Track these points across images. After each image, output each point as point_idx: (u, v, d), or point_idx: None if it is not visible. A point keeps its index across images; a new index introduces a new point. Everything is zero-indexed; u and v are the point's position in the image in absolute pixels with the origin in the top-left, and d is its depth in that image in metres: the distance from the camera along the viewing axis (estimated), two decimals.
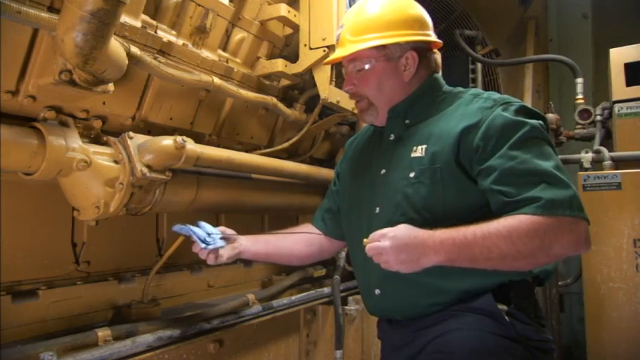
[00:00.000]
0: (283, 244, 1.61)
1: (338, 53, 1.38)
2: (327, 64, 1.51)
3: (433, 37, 1.39)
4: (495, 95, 1.29)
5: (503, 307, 1.22)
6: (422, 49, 1.36)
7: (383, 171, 1.38)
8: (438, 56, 1.42)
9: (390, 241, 1.12)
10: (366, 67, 1.34)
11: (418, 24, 1.36)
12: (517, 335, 1.19)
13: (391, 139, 1.40)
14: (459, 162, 1.23)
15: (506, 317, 1.21)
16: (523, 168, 1.14)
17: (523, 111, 1.24)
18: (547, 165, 1.15)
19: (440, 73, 1.44)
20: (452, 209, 1.23)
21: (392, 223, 1.24)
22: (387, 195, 1.34)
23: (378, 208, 1.36)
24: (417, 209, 1.26)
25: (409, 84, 1.37)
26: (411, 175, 1.28)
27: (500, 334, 1.19)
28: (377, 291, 1.35)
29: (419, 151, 1.29)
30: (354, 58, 1.35)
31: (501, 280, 1.23)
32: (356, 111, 2.21)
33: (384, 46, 1.31)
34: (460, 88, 1.40)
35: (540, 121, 1.24)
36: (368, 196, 1.41)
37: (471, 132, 1.22)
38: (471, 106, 1.27)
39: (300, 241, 1.63)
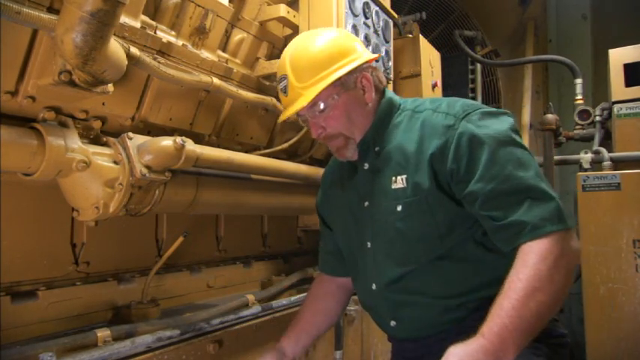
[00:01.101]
0: (321, 321, 1.57)
1: (299, 104, 1.26)
2: (285, 119, 1.34)
3: (369, 53, 1.35)
4: (455, 108, 1.25)
5: None
6: (366, 68, 1.33)
7: (366, 203, 1.35)
8: (379, 72, 1.38)
9: None
10: (330, 104, 1.29)
11: (354, 47, 1.31)
12: (537, 335, 1.20)
13: (366, 168, 1.37)
14: (441, 187, 1.21)
15: None
16: (505, 188, 1.12)
17: (486, 116, 1.21)
18: (528, 176, 1.13)
19: (386, 85, 1.41)
20: (447, 231, 1.23)
21: (392, 258, 1.27)
22: (377, 230, 1.32)
23: (369, 244, 1.35)
24: (413, 242, 1.25)
25: (371, 108, 1.34)
26: (399, 209, 1.26)
27: None
28: (392, 323, 1.34)
29: (400, 182, 1.26)
30: (313, 102, 1.27)
31: None
32: None
33: (339, 79, 1.26)
34: (416, 101, 1.36)
35: (507, 122, 1.21)
36: (356, 231, 1.39)
37: (441, 156, 1.20)
38: (435, 124, 1.24)
39: (329, 302, 1.58)
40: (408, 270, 1.26)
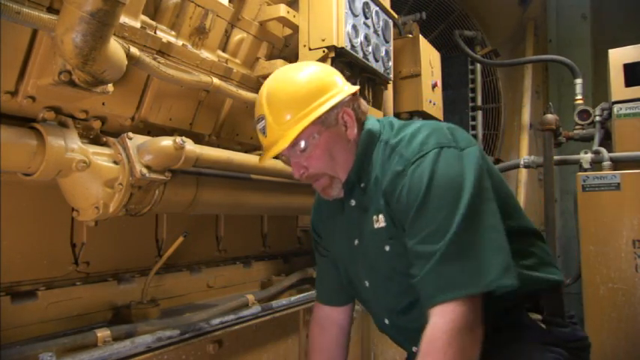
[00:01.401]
0: None
1: (279, 145, 1.20)
2: (264, 160, 1.27)
3: (349, 86, 1.28)
4: (410, 148, 1.17)
5: (537, 316, 1.22)
6: (347, 102, 1.25)
7: (356, 242, 1.31)
8: (361, 102, 1.31)
9: None
10: (311, 144, 1.22)
11: (335, 82, 1.25)
12: (557, 340, 1.19)
13: (352, 205, 1.31)
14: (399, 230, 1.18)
15: (543, 325, 1.20)
16: (419, 249, 1.09)
17: (440, 157, 1.12)
18: (442, 235, 1.06)
19: (366, 117, 1.33)
20: None
21: (393, 293, 1.24)
22: (371, 270, 1.29)
23: (367, 282, 1.31)
24: (408, 276, 1.18)
25: (353, 143, 1.27)
26: (387, 248, 1.21)
27: (542, 342, 1.18)
28: (414, 348, 1.25)
29: (381, 221, 1.22)
30: (294, 142, 1.21)
31: (528, 292, 1.19)
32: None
33: (319, 117, 1.19)
34: (387, 130, 1.28)
35: (463, 160, 1.12)
36: (353, 268, 1.36)
37: (390, 200, 1.17)
38: (390, 167, 1.20)
39: (337, 338, 1.50)
40: (412, 300, 1.21)
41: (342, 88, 1.24)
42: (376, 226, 1.22)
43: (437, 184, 1.09)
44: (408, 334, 1.26)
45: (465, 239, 1.06)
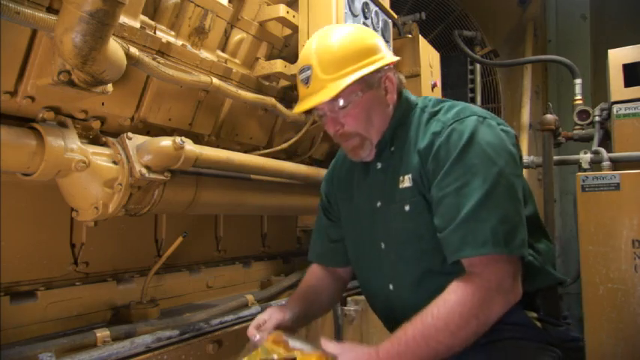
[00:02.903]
0: (314, 314, 1.52)
1: (322, 96, 1.22)
2: (304, 111, 1.27)
3: (392, 55, 1.34)
4: (450, 113, 1.23)
5: (532, 314, 1.22)
6: (389, 69, 1.31)
7: (379, 204, 1.33)
8: (399, 74, 1.36)
9: None
10: (352, 101, 1.25)
11: (380, 47, 1.29)
12: (551, 339, 1.20)
13: (378, 167, 1.35)
14: (427, 188, 1.21)
15: (538, 324, 1.21)
16: (449, 202, 1.12)
17: (479, 124, 1.18)
18: (472, 193, 1.09)
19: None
20: None
21: (406, 259, 1.25)
22: (389, 232, 1.30)
23: (383, 244, 1.32)
24: (423, 242, 1.22)
25: (391, 109, 1.32)
26: (407, 208, 1.24)
27: (537, 340, 1.19)
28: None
29: (406, 181, 1.25)
30: (335, 97, 1.24)
31: (526, 290, 1.19)
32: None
33: (364, 76, 1.23)
34: (425, 100, 1.35)
35: (499, 136, 1.18)
36: (370, 231, 1.37)
37: (426, 155, 1.20)
38: (427, 129, 1.24)
39: (325, 295, 1.53)
40: (423, 271, 1.23)
41: (386, 55, 1.29)
42: (401, 186, 1.26)
43: (477, 144, 1.14)
44: (406, 311, 1.23)
45: (497, 203, 1.09)
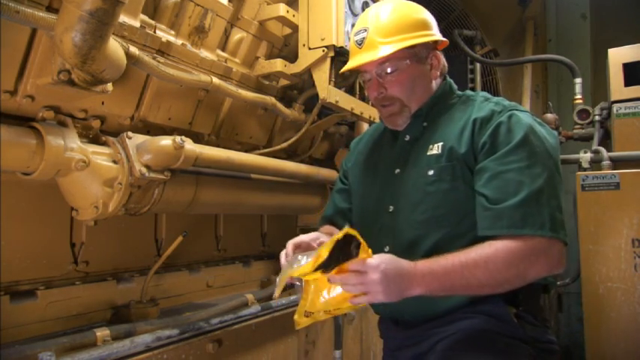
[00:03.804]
0: None
1: (371, 56, 1.29)
2: (357, 68, 1.33)
3: (441, 37, 1.41)
4: (506, 102, 1.31)
5: (512, 309, 1.23)
6: (438, 50, 1.38)
7: (397, 170, 1.37)
8: (444, 59, 1.42)
9: (381, 275, 1.07)
10: (400, 68, 1.31)
11: (432, 25, 1.37)
12: (526, 336, 1.21)
13: (407, 139, 1.39)
14: (474, 157, 1.25)
15: (515, 319, 1.22)
16: (510, 177, 1.16)
17: (532, 119, 1.26)
18: (535, 177, 1.15)
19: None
20: (473, 203, 1.23)
21: (410, 222, 1.27)
22: (404, 194, 1.33)
23: (392, 207, 1.35)
24: (439, 206, 1.26)
25: (433, 87, 1.38)
26: (430, 173, 1.28)
27: (510, 335, 1.20)
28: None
29: (435, 149, 1.30)
30: (384, 60, 1.30)
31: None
32: (357, 112, 2.21)
33: (413, 47, 1.30)
34: (470, 92, 1.41)
35: (552, 136, 1.25)
36: (380, 196, 1.39)
37: (481, 129, 1.24)
38: (483, 107, 1.30)
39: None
40: (426, 233, 1.26)
41: (435, 33, 1.36)
42: (429, 153, 1.31)
43: (538, 134, 1.21)
44: None
45: (554, 192, 1.16)
